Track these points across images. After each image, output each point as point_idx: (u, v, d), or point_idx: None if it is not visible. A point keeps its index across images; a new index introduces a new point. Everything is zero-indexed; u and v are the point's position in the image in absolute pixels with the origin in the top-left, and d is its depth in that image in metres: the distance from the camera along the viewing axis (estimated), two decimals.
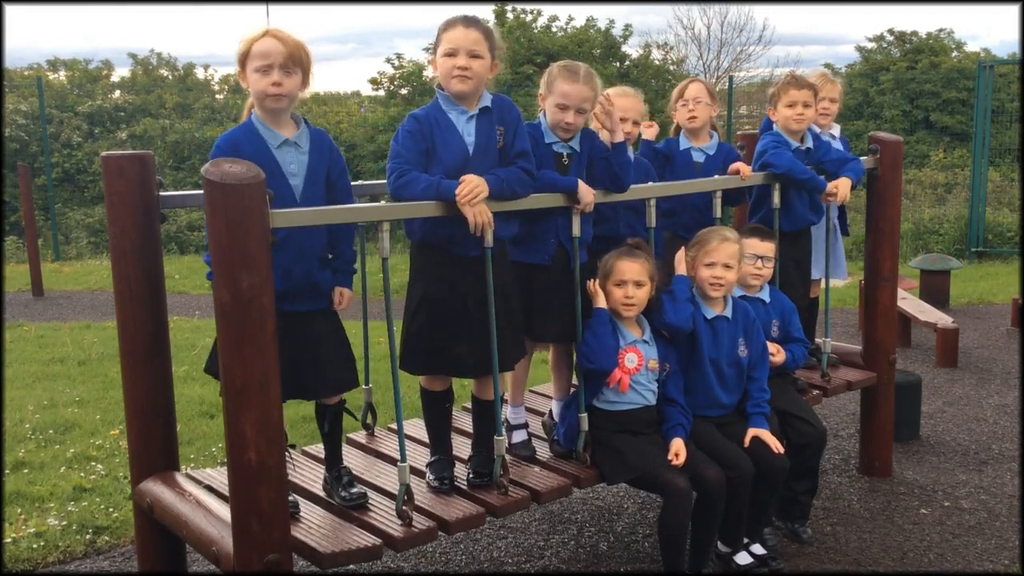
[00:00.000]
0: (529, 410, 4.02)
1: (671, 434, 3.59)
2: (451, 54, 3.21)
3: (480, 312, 3.26)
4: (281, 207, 2.93)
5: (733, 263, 3.73)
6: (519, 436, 3.73)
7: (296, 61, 3.03)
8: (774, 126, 4.39)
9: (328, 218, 2.96)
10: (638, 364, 3.59)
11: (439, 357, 3.30)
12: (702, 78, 4.46)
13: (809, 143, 4.37)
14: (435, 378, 3.42)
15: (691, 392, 3.73)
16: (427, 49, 18.99)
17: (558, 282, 3.52)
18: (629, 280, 3.56)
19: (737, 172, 4.10)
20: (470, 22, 3.24)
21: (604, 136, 3.58)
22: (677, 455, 3.51)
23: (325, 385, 3.22)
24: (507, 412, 3.79)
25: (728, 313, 3.78)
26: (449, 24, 3.25)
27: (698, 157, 4.24)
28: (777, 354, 3.97)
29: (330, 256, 3.20)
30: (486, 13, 22.95)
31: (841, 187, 4.24)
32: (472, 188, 3.05)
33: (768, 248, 4.02)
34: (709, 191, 4.09)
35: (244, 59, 3.03)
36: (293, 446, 3.67)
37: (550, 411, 3.97)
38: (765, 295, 4.06)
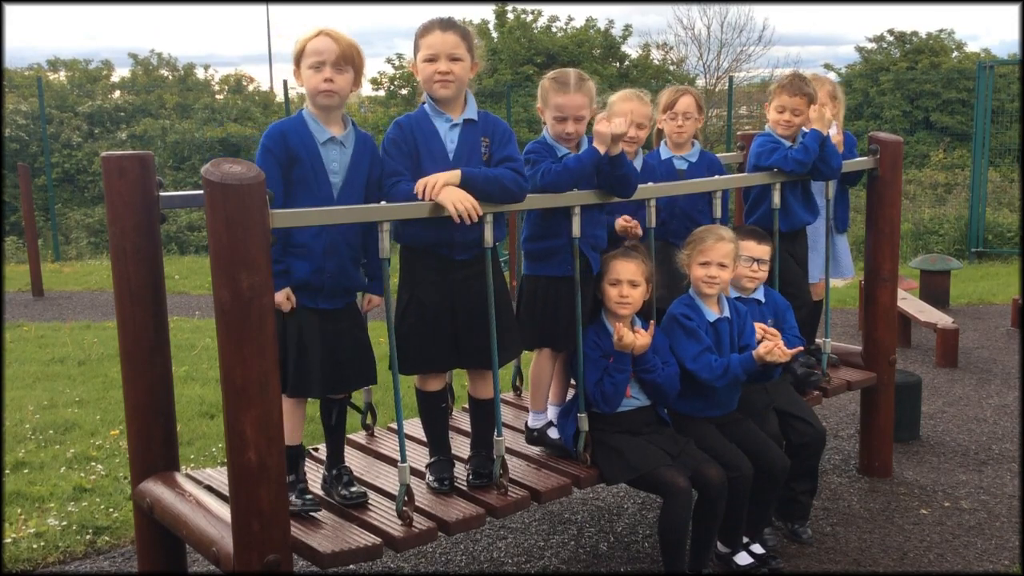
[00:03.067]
0: (520, 407, 4.02)
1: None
2: (431, 59, 3.22)
3: (469, 315, 3.28)
4: (319, 202, 3.02)
5: (728, 262, 3.73)
6: (554, 433, 3.73)
7: (348, 60, 3.10)
8: (766, 126, 4.39)
9: (329, 218, 2.96)
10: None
11: (429, 357, 3.31)
12: (693, 89, 4.34)
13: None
14: (429, 378, 3.42)
15: (693, 394, 3.72)
16: None
17: (582, 292, 3.53)
18: (624, 279, 3.56)
19: None
20: (447, 25, 3.25)
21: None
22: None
23: (353, 381, 3.28)
24: (528, 420, 3.80)
25: (728, 314, 3.79)
26: (426, 29, 3.26)
27: (680, 165, 4.24)
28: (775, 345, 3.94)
29: (359, 258, 3.26)
30: (486, 13, 22.94)
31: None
32: (425, 181, 3.08)
33: (764, 251, 4.01)
34: (697, 196, 4.09)
35: (299, 57, 3.12)
36: (316, 449, 3.67)
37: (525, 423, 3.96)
38: (760, 295, 4.05)
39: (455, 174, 3.10)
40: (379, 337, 4.63)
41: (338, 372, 3.19)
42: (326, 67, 3.06)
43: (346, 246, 3.15)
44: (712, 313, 3.75)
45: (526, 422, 3.83)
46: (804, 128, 4.43)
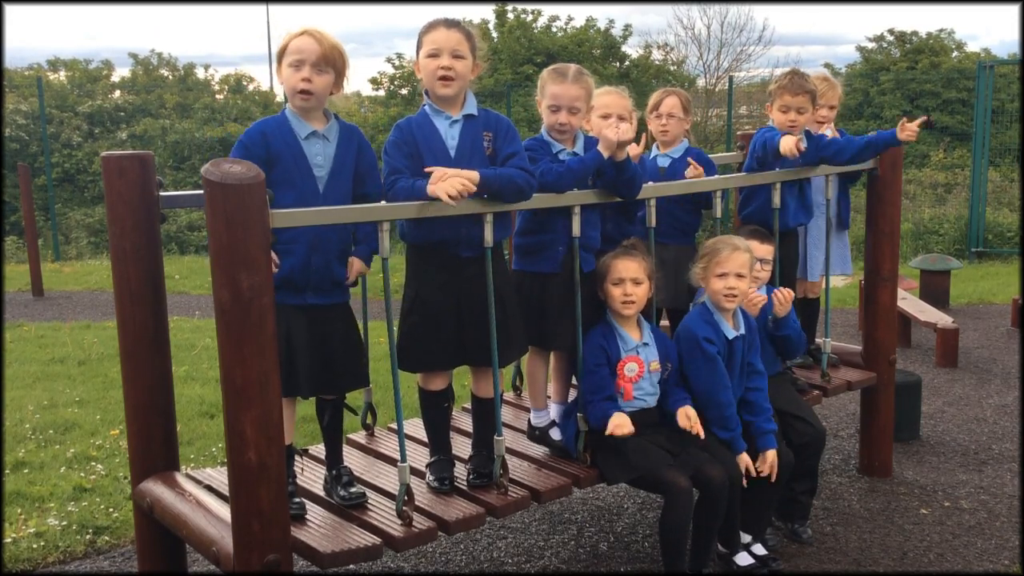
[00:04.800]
0: (520, 408, 4.02)
1: (677, 405, 3.60)
2: (434, 55, 3.23)
3: (472, 312, 3.27)
4: (304, 197, 2.99)
5: (745, 272, 3.70)
6: (558, 433, 3.73)
7: (329, 61, 3.08)
8: (769, 122, 4.40)
9: (328, 218, 2.95)
10: (639, 372, 3.59)
11: (433, 355, 3.31)
12: (680, 90, 4.36)
13: (804, 141, 4.36)
14: (432, 377, 3.42)
15: (702, 407, 3.71)
16: None
17: (570, 288, 3.53)
18: (627, 278, 3.56)
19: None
20: (451, 24, 3.26)
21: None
22: (690, 418, 3.56)
23: (342, 381, 3.26)
24: (531, 418, 3.81)
25: (743, 330, 3.78)
26: (431, 26, 3.27)
27: (663, 162, 4.26)
28: (785, 302, 3.98)
29: (348, 250, 3.22)
30: (486, 13, 22.91)
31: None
32: (439, 175, 3.04)
33: (767, 251, 4.02)
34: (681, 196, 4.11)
35: (281, 55, 3.10)
36: (306, 450, 3.68)
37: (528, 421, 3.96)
38: (763, 294, 4.05)
39: (473, 175, 3.08)
40: (379, 337, 4.64)
41: (327, 372, 3.16)
42: (305, 67, 3.04)
43: (336, 239, 3.12)
44: (731, 330, 3.73)
45: (528, 419, 3.83)
46: (808, 127, 4.46)
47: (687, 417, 3.54)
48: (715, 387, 3.64)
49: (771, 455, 3.66)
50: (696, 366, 3.67)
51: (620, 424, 3.43)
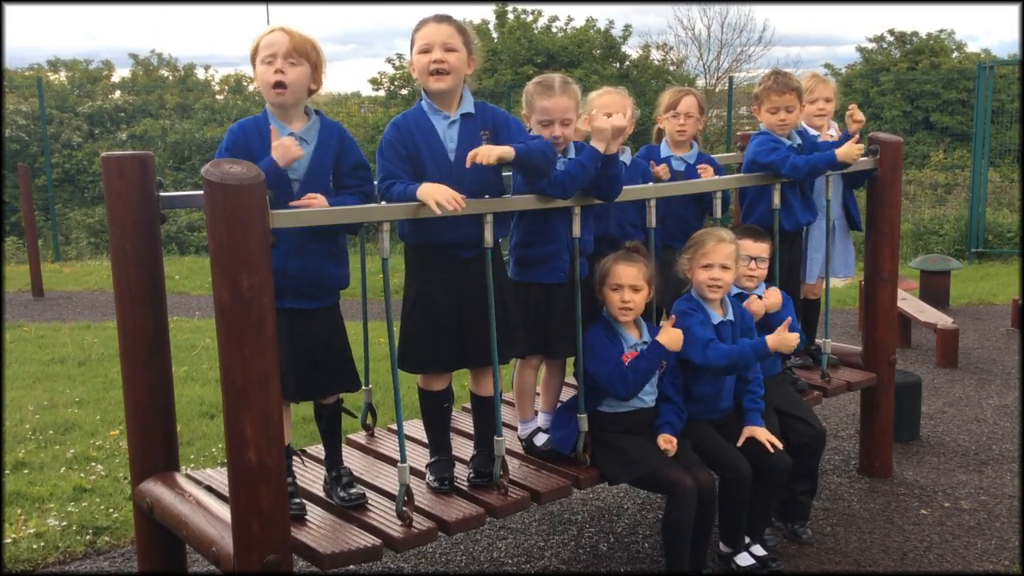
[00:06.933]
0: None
1: (660, 430, 3.57)
2: (426, 50, 3.20)
3: (475, 312, 3.27)
4: (279, 202, 2.93)
5: (730, 264, 3.71)
6: (541, 439, 3.72)
7: (301, 53, 3.05)
8: (761, 125, 4.40)
9: (328, 219, 2.96)
10: None
11: (435, 356, 3.31)
12: (695, 90, 4.36)
13: (797, 140, 4.37)
14: (432, 378, 3.41)
15: (694, 399, 3.72)
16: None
17: (574, 297, 3.52)
18: (625, 284, 3.54)
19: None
20: (442, 18, 3.24)
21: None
22: (671, 443, 3.51)
23: (328, 386, 3.23)
24: (519, 431, 3.79)
25: (731, 316, 3.78)
26: (422, 23, 3.25)
27: (678, 166, 4.25)
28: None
29: (339, 252, 3.18)
30: (486, 14, 22.89)
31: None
32: (476, 152, 3.04)
33: (762, 249, 4.01)
34: (691, 198, 4.12)
35: (254, 54, 3.08)
36: (304, 451, 3.67)
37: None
38: (760, 292, 4.05)
39: (508, 151, 3.07)
40: (379, 337, 4.63)
41: (313, 377, 3.15)
42: (278, 59, 3.02)
43: (317, 242, 3.06)
44: (716, 315, 3.74)
45: (517, 433, 3.82)
46: (803, 123, 4.46)
47: (667, 442, 3.53)
48: (708, 343, 3.60)
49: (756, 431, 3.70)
50: (686, 333, 3.60)
51: (673, 337, 3.47)
